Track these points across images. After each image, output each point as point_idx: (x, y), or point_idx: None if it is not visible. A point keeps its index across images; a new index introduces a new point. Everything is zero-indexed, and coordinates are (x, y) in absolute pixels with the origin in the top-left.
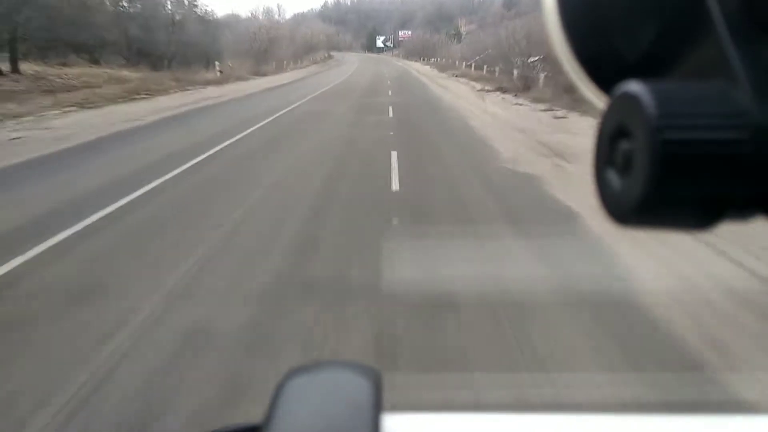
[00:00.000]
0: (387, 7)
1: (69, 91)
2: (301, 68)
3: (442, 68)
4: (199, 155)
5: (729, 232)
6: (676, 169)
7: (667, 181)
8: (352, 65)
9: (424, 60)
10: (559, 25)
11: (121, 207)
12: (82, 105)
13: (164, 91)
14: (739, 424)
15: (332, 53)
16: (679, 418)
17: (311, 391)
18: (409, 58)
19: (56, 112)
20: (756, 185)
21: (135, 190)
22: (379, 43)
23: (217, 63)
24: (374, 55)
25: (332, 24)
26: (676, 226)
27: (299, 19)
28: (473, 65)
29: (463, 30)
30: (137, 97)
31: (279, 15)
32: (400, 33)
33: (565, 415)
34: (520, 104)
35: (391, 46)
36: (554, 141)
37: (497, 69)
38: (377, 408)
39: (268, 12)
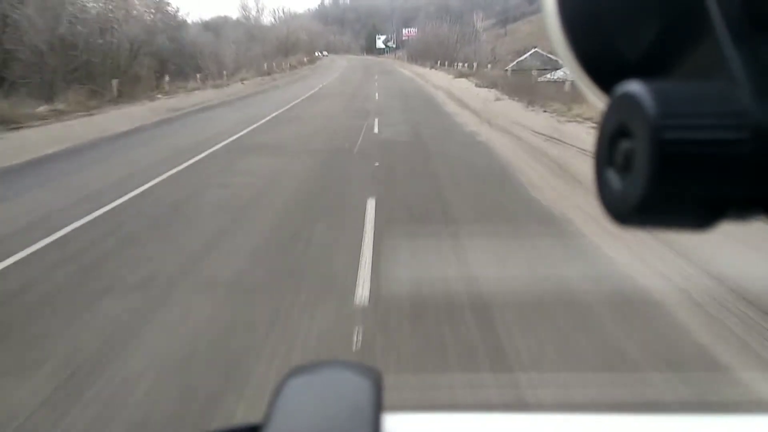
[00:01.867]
0: (388, 5)
1: None
2: (223, 87)
3: (515, 93)
4: None
5: None
6: (676, 168)
7: (667, 180)
8: (326, 77)
9: (445, 66)
10: (559, 25)
11: None
12: None
13: None
14: (739, 424)
15: (322, 55)
16: (679, 418)
17: (311, 391)
18: (418, 63)
19: None
20: (756, 185)
21: None
22: (380, 44)
23: None
24: (372, 58)
25: (330, 23)
26: (677, 226)
27: (292, 19)
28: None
29: (479, 26)
30: None
31: (257, 12)
32: (404, 31)
33: (565, 415)
34: None
35: (394, 46)
36: None
37: None
38: (378, 408)
39: (245, 8)
